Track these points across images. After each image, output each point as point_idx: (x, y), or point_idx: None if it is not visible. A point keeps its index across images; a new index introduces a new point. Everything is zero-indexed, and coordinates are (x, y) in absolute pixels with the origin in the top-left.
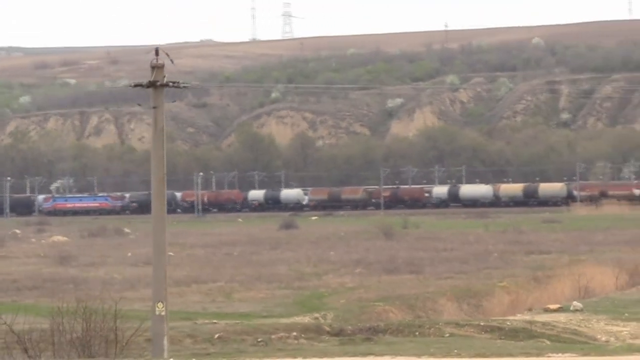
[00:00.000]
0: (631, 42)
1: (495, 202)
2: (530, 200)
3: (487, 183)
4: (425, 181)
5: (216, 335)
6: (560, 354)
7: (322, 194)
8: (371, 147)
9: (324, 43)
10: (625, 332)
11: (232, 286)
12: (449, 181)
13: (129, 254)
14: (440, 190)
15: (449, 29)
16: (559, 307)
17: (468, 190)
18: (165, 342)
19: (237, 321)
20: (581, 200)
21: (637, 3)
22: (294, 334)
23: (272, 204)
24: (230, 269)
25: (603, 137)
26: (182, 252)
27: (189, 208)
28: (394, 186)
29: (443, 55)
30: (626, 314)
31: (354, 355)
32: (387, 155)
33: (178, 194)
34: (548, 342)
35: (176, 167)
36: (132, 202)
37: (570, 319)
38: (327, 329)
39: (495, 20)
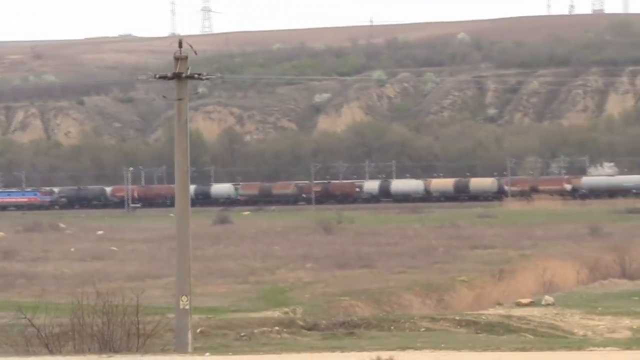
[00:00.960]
0: (556, 37)
1: (426, 197)
2: (461, 195)
3: (416, 178)
4: (355, 176)
5: (198, 330)
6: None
7: (252, 189)
8: (299, 142)
9: (248, 38)
10: (601, 327)
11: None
12: (379, 176)
13: (72, 249)
14: (371, 186)
15: (374, 24)
16: (531, 302)
17: (399, 185)
18: (189, 336)
19: (208, 315)
20: (512, 195)
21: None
22: (276, 328)
23: (203, 199)
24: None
25: (530, 132)
26: (124, 247)
27: (119, 203)
28: (325, 181)
29: (369, 50)
30: (599, 308)
31: (346, 350)
32: (316, 151)
33: (108, 189)
34: (530, 337)
35: (104, 162)
36: (62, 197)
37: (545, 314)
38: (301, 323)
39: (420, 15)
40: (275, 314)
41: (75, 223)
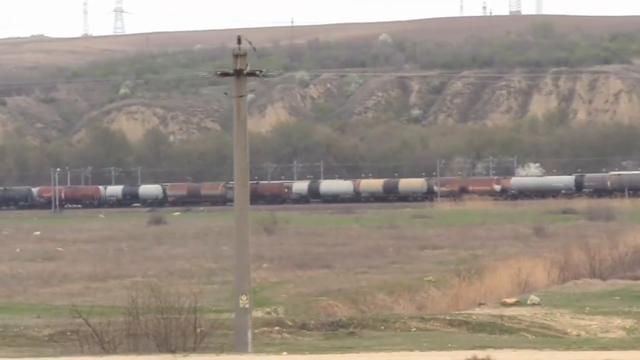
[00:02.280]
0: (478, 38)
1: (356, 197)
2: (390, 195)
3: (345, 179)
4: (283, 177)
5: (198, 330)
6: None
7: (181, 190)
8: (224, 143)
9: (169, 39)
10: (594, 326)
11: (150, 281)
12: (308, 177)
13: (18, 250)
14: (301, 186)
15: (295, 24)
16: (516, 301)
17: (328, 185)
18: (249, 335)
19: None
20: (442, 196)
21: (467, 1)
22: (277, 328)
23: (131, 200)
24: (131, 264)
25: (456, 132)
26: (67, 247)
27: (46, 204)
28: (254, 182)
29: (291, 51)
30: (587, 308)
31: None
32: None
33: (34, 190)
34: (530, 336)
35: (27, 163)
36: None
37: (535, 313)
38: (290, 323)
39: (341, 16)
40: (259, 314)
41: (6, 224)
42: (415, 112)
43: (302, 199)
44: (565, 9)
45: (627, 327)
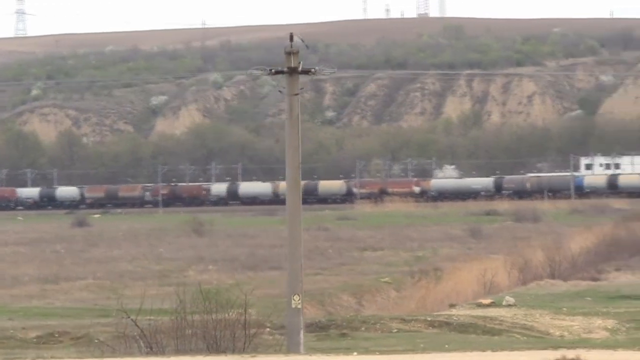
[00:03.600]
0: (391, 40)
1: (275, 199)
2: (309, 197)
3: (262, 181)
4: (201, 179)
5: (189, 332)
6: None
7: (99, 192)
8: (139, 145)
9: (79, 40)
10: (576, 327)
11: (103, 283)
12: (227, 179)
13: None
14: (220, 188)
15: (207, 26)
16: (492, 302)
17: (247, 187)
18: (302, 336)
19: (172, 317)
20: (361, 198)
21: (371, 3)
22: (267, 329)
23: (48, 202)
24: (75, 266)
25: (371, 134)
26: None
27: None
28: (172, 184)
29: (204, 53)
30: (564, 309)
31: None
32: (156, 153)
33: None
34: (520, 337)
35: None
36: None
37: (515, 314)
38: (268, 325)
39: (252, 17)
40: (232, 315)
41: None
42: (330, 113)
43: (221, 201)
44: (473, 11)
45: (610, 327)
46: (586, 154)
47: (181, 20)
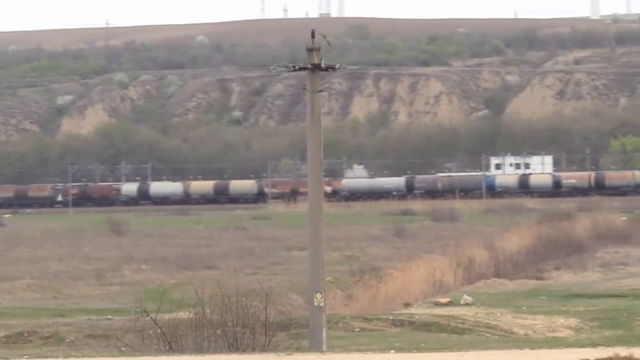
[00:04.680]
0: (296, 40)
1: (186, 199)
2: (221, 197)
3: (172, 181)
4: (111, 179)
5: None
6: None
7: (8, 192)
8: (46, 145)
9: None
10: (539, 326)
11: (42, 283)
12: (137, 179)
13: None
14: (130, 188)
15: (110, 25)
16: (449, 301)
17: (158, 187)
18: (324, 334)
19: (130, 317)
20: (273, 198)
21: (269, 3)
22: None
23: None
24: (5, 266)
25: (280, 134)
26: None
27: None
28: (83, 183)
29: (108, 53)
30: (523, 307)
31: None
32: (63, 153)
33: None
34: (489, 336)
35: None
36: None
37: (476, 313)
38: (230, 323)
39: (156, 17)
40: (191, 315)
41: None
42: (236, 113)
43: (131, 201)
44: (376, 11)
45: (573, 326)
46: (494, 154)
47: (84, 19)
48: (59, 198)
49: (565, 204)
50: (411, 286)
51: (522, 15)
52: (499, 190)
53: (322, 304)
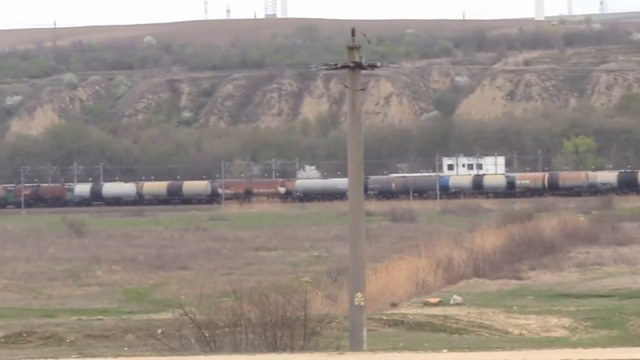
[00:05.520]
0: (246, 41)
1: (139, 200)
2: (174, 198)
3: (124, 181)
4: (63, 179)
5: (159, 331)
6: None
7: None
8: None
9: None
10: (533, 326)
11: (18, 284)
12: (89, 179)
13: None
14: (83, 189)
15: (58, 26)
16: (439, 301)
17: (111, 188)
18: (364, 333)
19: (122, 317)
20: (227, 199)
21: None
22: (237, 328)
23: None
24: None
25: (230, 135)
26: None
27: None
28: (35, 184)
29: (56, 53)
30: (514, 307)
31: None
32: (13, 154)
33: None
34: (488, 335)
35: None
36: None
37: (469, 313)
38: (222, 324)
39: (103, 18)
40: (176, 315)
41: None
42: (186, 114)
43: (84, 202)
44: (323, 12)
45: (567, 326)
46: (446, 155)
47: (32, 20)
48: (11, 199)
49: (520, 204)
50: (394, 286)
51: (470, 16)
52: (453, 190)
53: (362, 303)
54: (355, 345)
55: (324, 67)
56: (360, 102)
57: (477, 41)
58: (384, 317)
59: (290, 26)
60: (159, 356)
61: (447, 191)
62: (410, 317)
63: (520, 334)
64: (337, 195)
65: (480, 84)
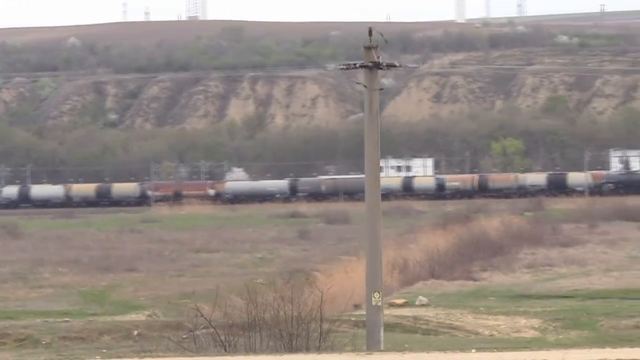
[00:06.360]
0: (171, 43)
1: (67, 202)
2: (103, 200)
3: (52, 184)
4: None
5: (136, 332)
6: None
7: None
8: None
9: None
10: (503, 326)
11: None
12: (17, 182)
13: None
14: (10, 191)
15: None
16: (405, 302)
17: (39, 190)
18: (382, 333)
19: (89, 319)
20: (156, 200)
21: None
22: (212, 330)
23: None
24: None
25: (156, 137)
26: None
27: None
28: None
29: None
30: (481, 308)
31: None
32: None
33: None
34: (462, 336)
35: None
36: None
37: (437, 314)
38: (190, 326)
39: (26, 19)
40: (142, 317)
41: None
42: (112, 116)
43: (11, 204)
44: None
45: (537, 326)
46: None
47: None
48: None
49: (451, 206)
50: (352, 288)
51: (395, 18)
52: (383, 192)
53: (379, 304)
54: (373, 346)
55: (343, 66)
56: (377, 102)
57: (403, 43)
58: (353, 319)
59: (214, 28)
60: (182, 357)
61: None
62: (352, 318)
63: (491, 335)
64: (266, 197)
65: (406, 86)
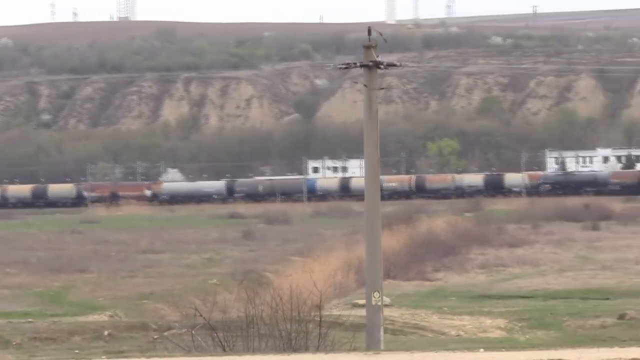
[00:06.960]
0: (103, 44)
1: (3, 203)
2: (39, 201)
3: None
4: None
5: (106, 332)
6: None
7: None
8: None
9: None
10: (469, 326)
11: None
12: None
13: None
14: None
15: None
16: None
17: None
18: (382, 333)
19: (53, 320)
20: (92, 201)
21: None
22: (184, 330)
23: None
24: None
25: (90, 137)
26: None
27: None
28: None
29: None
30: (445, 308)
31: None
32: None
33: None
34: (432, 336)
35: None
36: None
37: (402, 314)
38: (154, 326)
39: None
40: (103, 317)
41: None
42: (46, 117)
43: None
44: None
45: (503, 327)
46: (309, 157)
47: None
48: None
49: (389, 207)
50: (310, 289)
51: (327, 20)
52: (320, 193)
53: (379, 303)
54: (373, 345)
55: (343, 66)
56: (376, 102)
57: (336, 44)
58: (317, 319)
59: (147, 28)
60: (183, 357)
61: (314, 193)
62: (344, 318)
63: (458, 335)
64: (203, 198)
65: (341, 87)
